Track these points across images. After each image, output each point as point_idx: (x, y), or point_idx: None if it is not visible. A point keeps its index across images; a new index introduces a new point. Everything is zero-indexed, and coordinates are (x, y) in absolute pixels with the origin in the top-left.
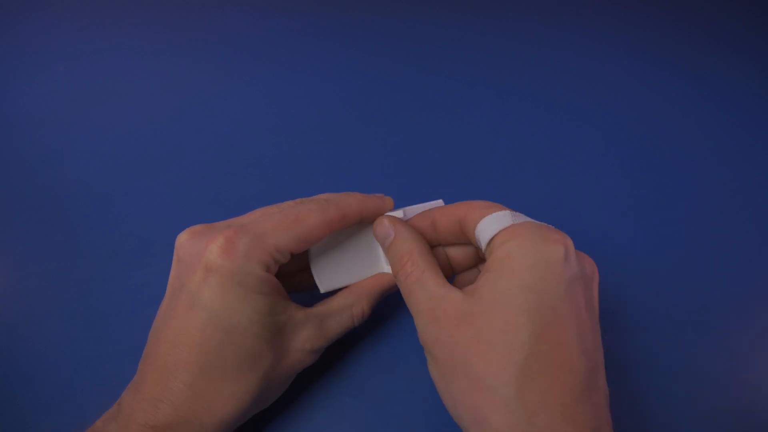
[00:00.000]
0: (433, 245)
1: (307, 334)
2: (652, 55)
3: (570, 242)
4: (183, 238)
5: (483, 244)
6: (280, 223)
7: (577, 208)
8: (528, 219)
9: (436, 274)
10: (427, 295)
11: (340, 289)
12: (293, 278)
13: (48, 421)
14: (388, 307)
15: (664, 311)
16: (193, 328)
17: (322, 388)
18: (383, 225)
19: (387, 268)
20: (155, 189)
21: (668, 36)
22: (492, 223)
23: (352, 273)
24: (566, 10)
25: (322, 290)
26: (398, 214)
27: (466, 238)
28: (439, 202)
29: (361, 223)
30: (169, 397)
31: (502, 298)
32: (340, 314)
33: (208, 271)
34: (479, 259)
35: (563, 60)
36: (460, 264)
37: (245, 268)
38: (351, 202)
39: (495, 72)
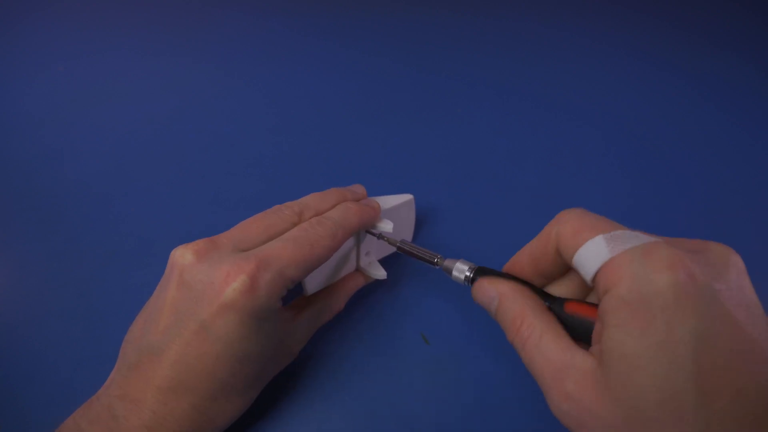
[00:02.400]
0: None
1: (299, 338)
2: (652, 55)
3: (678, 254)
4: (188, 260)
5: (587, 279)
6: (297, 255)
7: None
8: (625, 238)
9: (556, 336)
10: (551, 363)
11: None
12: None
13: (48, 421)
14: (389, 306)
15: None
16: (206, 357)
17: (323, 388)
18: (484, 289)
19: (362, 265)
20: (155, 189)
21: (668, 36)
22: (588, 259)
23: (334, 274)
24: (566, 10)
25: (309, 294)
26: (387, 227)
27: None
28: (409, 198)
29: None
30: (174, 416)
31: (641, 363)
32: (324, 313)
33: (227, 308)
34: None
35: (563, 60)
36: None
37: (265, 306)
38: (353, 221)
39: (495, 72)
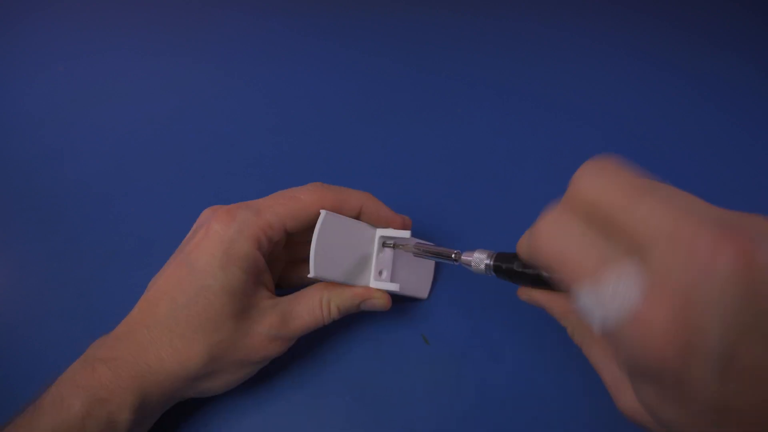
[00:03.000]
0: None
1: (271, 320)
2: (652, 55)
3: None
4: (204, 212)
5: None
6: (277, 201)
7: None
8: (609, 293)
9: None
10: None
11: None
12: (286, 270)
13: None
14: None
15: None
16: (172, 280)
17: (323, 388)
18: (525, 299)
19: (374, 283)
20: (155, 189)
21: (668, 36)
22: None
23: (343, 273)
24: (566, 10)
25: (312, 274)
26: (405, 233)
27: None
28: (407, 234)
29: (368, 231)
30: (128, 337)
31: None
32: (308, 304)
33: (206, 236)
34: None
35: (563, 60)
36: None
37: (236, 239)
38: (352, 192)
39: (495, 72)
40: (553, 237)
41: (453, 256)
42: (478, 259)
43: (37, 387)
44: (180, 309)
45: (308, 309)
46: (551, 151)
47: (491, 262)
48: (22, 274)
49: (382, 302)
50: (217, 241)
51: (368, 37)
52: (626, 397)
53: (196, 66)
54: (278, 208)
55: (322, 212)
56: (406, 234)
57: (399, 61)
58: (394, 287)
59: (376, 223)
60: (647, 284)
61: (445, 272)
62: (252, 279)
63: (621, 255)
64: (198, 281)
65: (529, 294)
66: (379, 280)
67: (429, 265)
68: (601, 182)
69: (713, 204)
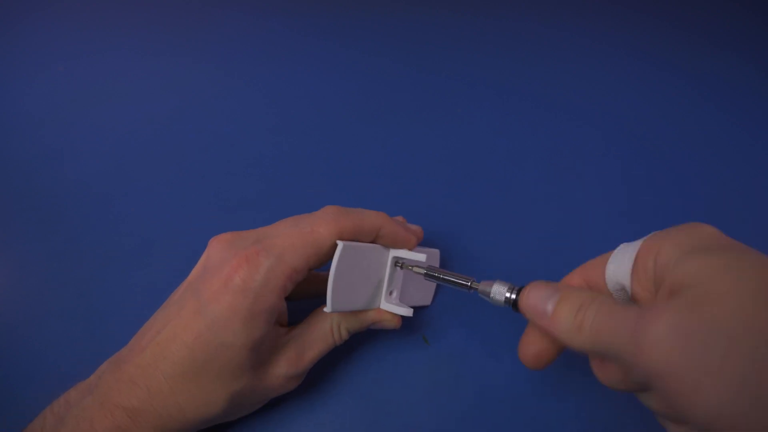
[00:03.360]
0: None
1: (289, 360)
2: (652, 55)
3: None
4: (213, 244)
5: (626, 285)
6: (297, 240)
7: (577, 208)
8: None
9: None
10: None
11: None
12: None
13: None
14: None
15: None
16: (190, 332)
17: (322, 389)
18: (539, 287)
19: (384, 305)
20: (155, 189)
21: (668, 36)
22: (618, 266)
23: (358, 301)
24: (566, 10)
25: (329, 310)
26: (420, 256)
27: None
28: (434, 252)
29: (382, 254)
30: (146, 383)
31: None
32: (321, 333)
33: (225, 287)
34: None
35: (563, 60)
36: None
37: (261, 293)
38: (369, 216)
39: (495, 72)
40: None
41: (469, 284)
42: (498, 292)
43: (37, 387)
44: (199, 363)
45: (321, 337)
46: (551, 151)
47: (512, 296)
48: (22, 274)
49: (392, 324)
50: (239, 295)
51: (368, 37)
52: None
53: (196, 66)
54: (300, 250)
55: (339, 245)
56: (421, 257)
57: (399, 61)
58: (406, 312)
59: (392, 245)
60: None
61: None
62: (273, 326)
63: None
64: (218, 338)
65: (550, 285)
66: (390, 302)
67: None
68: None
69: (712, 202)
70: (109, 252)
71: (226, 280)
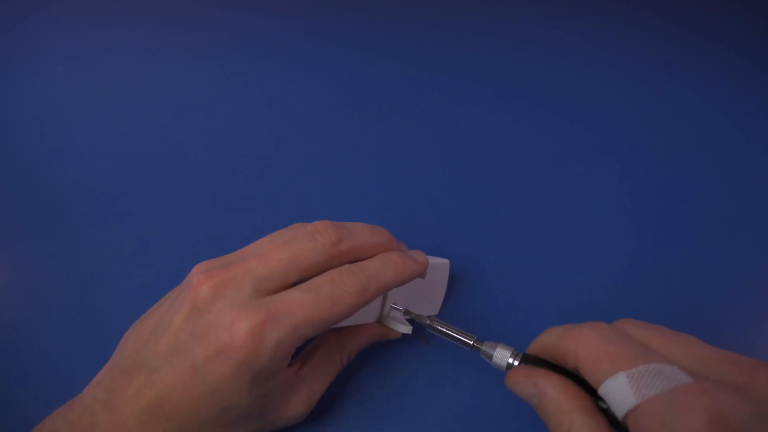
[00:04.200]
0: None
1: (300, 402)
2: (652, 55)
3: (712, 405)
4: (204, 293)
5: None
6: (315, 312)
7: (577, 208)
8: (650, 377)
9: None
10: None
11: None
12: None
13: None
14: None
15: (665, 310)
16: (190, 397)
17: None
18: (521, 384)
19: (389, 321)
20: (155, 189)
21: (668, 36)
22: (614, 399)
23: (356, 317)
24: (566, 10)
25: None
26: (406, 329)
27: None
28: (444, 262)
29: None
30: None
31: None
32: (328, 365)
33: (224, 356)
34: None
35: (563, 60)
36: None
37: (267, 366)
38: (390, 276)
39: (495, 72)
40: (594, 337)
41: (472, 344)
42: (501, 356)
43: (37, 387)
44: (203, 423)
45: (331, 370)
46: (551, 151)
47: (515, 362)
48: (22, 274)
49: (396, 336)
50: (241, 367)
51: (368, 37)
52: None
53: (196, 66)
54: (317, 322)
55: None
56: (444, 262)
57: (399, 61)
58: (405, 329)
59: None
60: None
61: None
62: (279, 377)
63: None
64: (222, 402)
65: (527, 380)
66: (394, 320)
67: (442, 284)
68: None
69: (712, 202)
70: (109, 252)
71: (226, 351)
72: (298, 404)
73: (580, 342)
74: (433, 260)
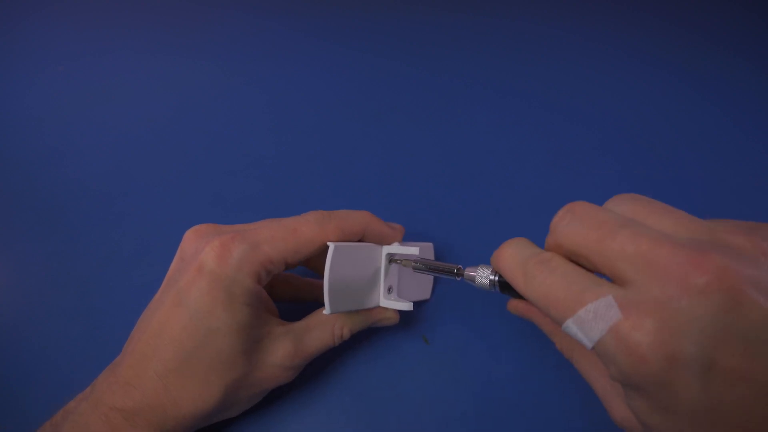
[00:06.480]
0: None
1: (285, 350)
2: (652, 55)
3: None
4: (188, 235)
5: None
6: (277, 234)
7: None
8: (594, 314)
9: None
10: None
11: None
12: (278, 287)
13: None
14: None
15: None
16: (175, 325)
17: (322, 389)
18: (519, 310)
19: (384, 302)
20: (155, 189)
21: (668, 36)
22: (578, 337)
23: (356, 301)
24: (566, 10)
25: (328, 312)
26: (413, 250)
27: None
28: (427, 245)
29: (374, 251)
30: (139, 383)
31: None
32: (321, 331)
33: (199, 273)
34: None
35: (563, 60)
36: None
37: (235, 277)
38: (354, 217)
39: (495, 72)
40: (539, 281)
41: (455, 271)
42: (482, 275)
43: (37, 387)
44: (190, 354)
45: (321, 336)
46: (551, 151)
47: (496, 278)
48: (22, 274)
49: (392, 320)
50: (214, 280)
51: (368, 37)
52: (617, 407)
53: (196, 66)
54: (279, 242)
55: (330, 246)
56: (414, 251)
57: (399, 61)
58: (406, 306)
59: (379, 243)
60: (629, 304)
61: None
62: (259, 311)
63: (602, 285)
64: (203, 324)
65: (519, 307)
66: (389, 299)
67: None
68: (574, 227)
69: (712, 202)
70: (109, 252)
71: (200, 266)
72: (285, 353)
73: (531, 293)
74: (417, 245)
